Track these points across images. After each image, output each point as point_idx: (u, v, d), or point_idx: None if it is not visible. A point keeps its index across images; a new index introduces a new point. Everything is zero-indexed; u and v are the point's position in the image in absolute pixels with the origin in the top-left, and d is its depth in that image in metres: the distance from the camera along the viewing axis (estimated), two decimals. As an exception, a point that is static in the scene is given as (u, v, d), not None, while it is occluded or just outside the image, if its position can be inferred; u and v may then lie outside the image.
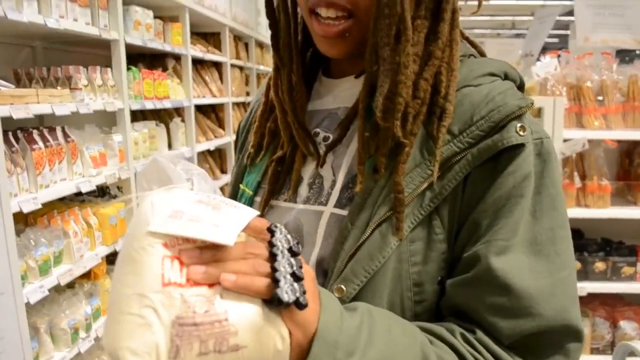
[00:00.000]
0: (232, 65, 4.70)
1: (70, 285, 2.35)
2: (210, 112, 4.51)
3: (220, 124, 4.53)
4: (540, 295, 0.61)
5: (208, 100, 4.06)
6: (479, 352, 0.60)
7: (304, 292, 0.49)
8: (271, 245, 0.51)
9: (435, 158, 0.63)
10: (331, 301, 0.54)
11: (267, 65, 6.21)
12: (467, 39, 0.75)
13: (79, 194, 2.47)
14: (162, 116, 3.60)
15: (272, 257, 0.50)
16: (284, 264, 0.50)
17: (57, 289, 2.24)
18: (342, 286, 0.63)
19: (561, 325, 0.62)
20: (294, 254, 0.51)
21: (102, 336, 0.50)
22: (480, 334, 0.62)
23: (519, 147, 0.63)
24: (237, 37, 5.10)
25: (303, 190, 0.74)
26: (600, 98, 2.79)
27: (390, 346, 0.56)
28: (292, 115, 0.73)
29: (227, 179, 4.53)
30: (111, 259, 2.58)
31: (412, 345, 0.58)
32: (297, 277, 0.49)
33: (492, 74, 0.68)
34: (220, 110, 4.55)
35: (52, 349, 2.14)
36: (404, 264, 0.63)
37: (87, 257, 2.31)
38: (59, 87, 2.26)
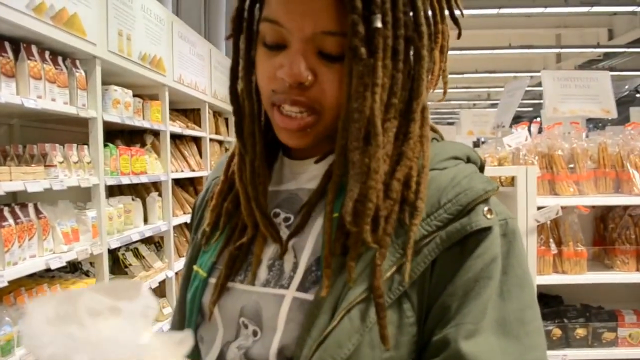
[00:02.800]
0: (212, 140, 4.79)
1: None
2: (188, 185, 4.54)
3: (200, 197, 4.55)
4: None
5: (186, 174, 4.11)
6: None
7: None
8: None
9: (406, 249, 0.62)
10: None
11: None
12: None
13: (48, 270, 2.43)
14: (139, 190, 3.62)
15: None
16: None
17: (20, 373, 2.16)
18: None
19: None
20: None
21: None
22: None
23: (486, 230, 0.63)
24: (217, 113, 5.23)
25: (262, 272, 0.72)
26: (571, 165, 2.88)
27: None
28: (254, 202, 0.72)
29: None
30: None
31: None
32: None
33: (456, 157, 0.70)
34: (199, 184, 4.59)
35: None
36: (375, 350, 0.62)
37: (55, 337, 2.25)
38: (33, 165, 2.29)
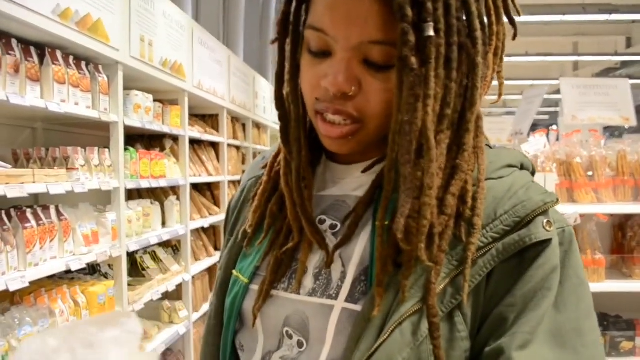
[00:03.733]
0: (229, 145, 4.82)
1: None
2: (206, 190, 4.57)
3: (216, 201, 4.58)
4: None
5: (204, 179, 4.14)
6: None
7: None
8: None
9: (464, 267, 0.60)
10: None
11: (264, 145, 6.35)
12: None
13: (68, 271, 2.46)
14: (157, 194, 3.65)
15: None
16: None
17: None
18: None
19: None
20: None
21: None
22: None
23: (546, 242, 0.61)
24: (235, 119, 5.27)
25: (308, 281, 0.69)
26: (590, 173, 2.85)
27: None
28: (300, 209, 0.69)
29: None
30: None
31: None
32: None
33: (510, 165, 0.68)
34: (216, 189, 4.61)
35: None
36: None
37: (75, 337, 2.27)
38: (55, 167, 2.32)
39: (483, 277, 0.61)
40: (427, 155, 0.59)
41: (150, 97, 3.14)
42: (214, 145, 4.59)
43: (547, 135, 3.42)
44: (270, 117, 6.75)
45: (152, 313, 3.53)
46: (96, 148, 2.55)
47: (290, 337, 0.68)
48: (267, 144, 6.63)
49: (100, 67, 2.59)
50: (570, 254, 0.63)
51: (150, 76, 3.06)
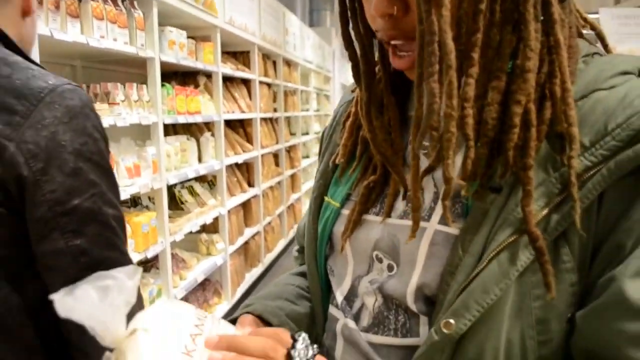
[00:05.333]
0: (261, 82, 4.85)
1: (106, 291, 2.47)
2: (239, 127, 4.65)
3: (248, 138, 4.67)
4: None
5: (237, 115, 4.20)
6: None
7: None
8: (289, 356, 0.57)
9: (569, 186, 0.54)
10: None
11: (294, 83, 6.35)
12: (581, 34, 0.65)
13: (115, 202, 2.59)
14: (192, 131, 3.75)
15: None
16: None
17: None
18: (452, 320, 0.56)
19: None
20: None
21: None
22: None
23: None
24: (266, 56, 5.27)
25: (399, 203, 0.68)
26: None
27: None
28: (375, 144, 0.69)
29: (254, 191, 4.65)
30: (142, 265, 2.69)
31: None
32: None
33: (626, 72, 0.58)
34: (248, 126, 4.69)
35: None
36: (524, 297, 0.56)
37: (123, 263, 2.43)
38: (97, 102, 2.41)
39: (593, 200, 0.55)
40: (444, 60, 0.53)
41: (184, 33, 3.18)
42: (246, 83, 4.62)
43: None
44: (300, 54, 6.70)
45: (190, 245, 3.71)
46: (134, 84, 2.62)
47: (380, 260, 0.68)
48: (298, 82, 6.62)
49: (135, 2, 2.62)
50: None
51: (184, 12, 3.08)
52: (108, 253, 0.90)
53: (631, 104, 0.54)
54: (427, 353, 0.58)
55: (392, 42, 0.61)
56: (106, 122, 2.29)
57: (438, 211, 0.63)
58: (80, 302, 0.55)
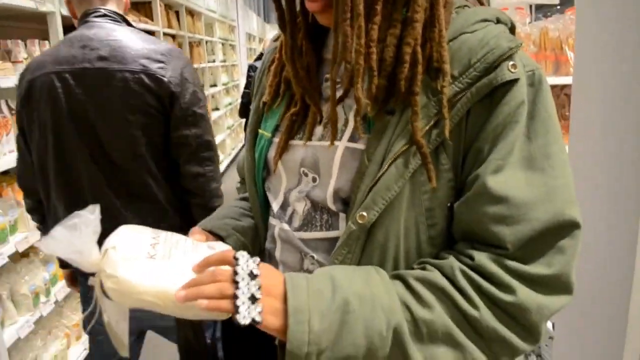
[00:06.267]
0: (165, 34, 4.72)
1: (25, 255, 2.44)
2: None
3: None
4: (535, 202, 0.68)
5: (144, 70, 4.09)
6: (477, 286, 0.68)
7: (260, 312, 0.64)
8: (235, 273, 0.66)
9: (442, 107, 0.70)
10: (298, 293, 0.66)
11: (199, 33, 6.20)
12: None
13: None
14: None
15: (235, 284, 0.66)
16: (244, 289, 0.65)
17: (13, 258, 2.33)
18: (364, 213, 0.72)
19: (556, 226, 0.68)
20: (254, 276, 0.66)
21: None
22: (478, 259, 0.69)
23: (512, 82, 0.70)
24: (168, 6, 5.10)
25: (318, 129, 0.83)
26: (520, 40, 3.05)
27: (363, 332, 0.66)
28: (295, 78, 0.82)
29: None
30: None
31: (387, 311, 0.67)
32: (254, 299, 0.64)
33: (485, 20, 0.75)
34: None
35: (16, 314, 2.24)
36: (416, 192, 0.72)
37: (42, 226, 2.41)
38: (0, 62, 2.30)
39: (461, 117, 0.71)
40: (355, 10, 0.69)
41: (83, -16, 3.03)
42: (149, 35, 4.48)
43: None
44: (203, 3, 6.52)
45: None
46: (36, 40, 2.51)
47: (306, 175, 0.83)
48: (202, 33, 6.47)
49: (28, -48, 2.47)
50: (540, 93, 0.72)
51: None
52: (211, 138, 1.63)
53: (487, 43, 0.71)
54: (347, 240, 0.74)
55: None
56: (11, 81, 2.20)
57: (347, 133, 0.79)
58: (58, 241, 0.67)
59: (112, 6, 1.62)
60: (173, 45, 1.67)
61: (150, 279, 0.69)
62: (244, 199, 1.06)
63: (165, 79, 1.51)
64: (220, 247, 0.80)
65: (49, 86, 1.50)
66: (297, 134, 0.86)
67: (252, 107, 0.96)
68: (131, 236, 0.74)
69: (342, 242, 0.75)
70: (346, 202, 0.78)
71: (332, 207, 0.80)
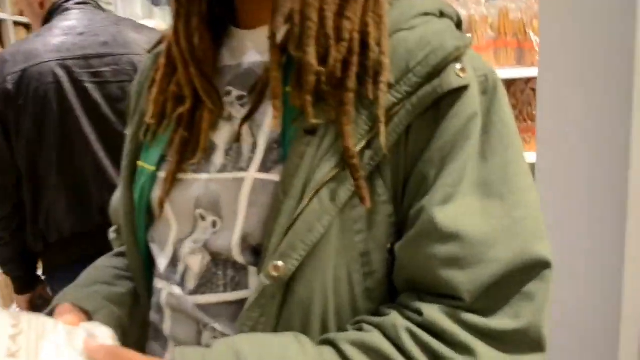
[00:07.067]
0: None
1: None
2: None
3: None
4: (495, 238, 0.66)
5: None
6: (427, 349, 0.65)
7: None
8: None
9: (377, 117, 0.68)
10: None
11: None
12: None
13: None
14: None
15: None
16: None
17: None
18: (280, 263, 0.68)
19: (521, 267, 0.66)
20: None
21: None
22: (428, 314, 0.66)
23: (460, 90, 0.68)
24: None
25: (218, 158, 0.78)
26: (468, 35, 3.12)
27: None
28: (193, 65, 0.78)
29: None
30: None
31: None
32: None
33: (426, 13, 0.74)
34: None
35: None
36: (347, 232, 0.69)
37: None
38: None
39: (400, 134, 0.69)
40: None
41: None
42: (-5, 25, 4.31)
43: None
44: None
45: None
46: None
47: (204, 218, 0.78)
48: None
49: None
50: (496, 102, 0.71)
51: None
52: None
53: (429, 42, 0.69)
54: (259, 300, 0.70)
55: None
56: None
57: (256, 160, 0.74)
58: None
59: None
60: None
61: None
62: (120, 254, 1.00)
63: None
64: (102, 333, 0.74)
65: (51, 76, 1.74)
66: (191, 165, 0.80)
67: (127, 134, 0.91)
68: None
69: (253, 303, 0.70)
70: (257, 252, 0.73)
71: (239, 259, 0.75)
